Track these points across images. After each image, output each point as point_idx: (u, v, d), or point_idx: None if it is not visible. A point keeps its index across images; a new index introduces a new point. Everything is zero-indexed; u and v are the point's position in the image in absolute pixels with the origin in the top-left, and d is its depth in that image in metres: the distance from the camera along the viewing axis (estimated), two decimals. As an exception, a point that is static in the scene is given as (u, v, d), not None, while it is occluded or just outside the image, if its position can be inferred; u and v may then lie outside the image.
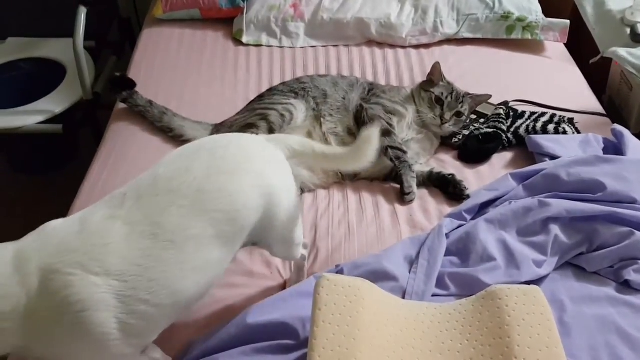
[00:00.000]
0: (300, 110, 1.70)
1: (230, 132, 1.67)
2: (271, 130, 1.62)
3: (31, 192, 2.50)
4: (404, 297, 1.28)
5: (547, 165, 1.58)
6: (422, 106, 1.77)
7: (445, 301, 1.27)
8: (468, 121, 1.82)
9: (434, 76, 1.80)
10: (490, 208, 1.53)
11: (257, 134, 1.60)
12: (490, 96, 1.81)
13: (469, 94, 1.80)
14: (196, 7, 2.30)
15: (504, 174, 1.63)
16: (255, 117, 1.66)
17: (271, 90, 1.82)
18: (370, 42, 2.25)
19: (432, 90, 1.77)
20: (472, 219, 1.51)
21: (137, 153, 1.73)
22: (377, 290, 1.20)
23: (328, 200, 1.61)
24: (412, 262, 1.37)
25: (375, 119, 1.69)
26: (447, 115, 1.73)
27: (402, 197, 1.61)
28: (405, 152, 1.66)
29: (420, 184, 1.65)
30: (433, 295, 1.30)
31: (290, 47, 2.23)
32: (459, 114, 1.75)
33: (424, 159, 1.74)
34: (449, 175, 1.63)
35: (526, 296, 1.15)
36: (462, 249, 1.40)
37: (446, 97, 1.75)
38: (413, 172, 1.63)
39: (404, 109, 1.76)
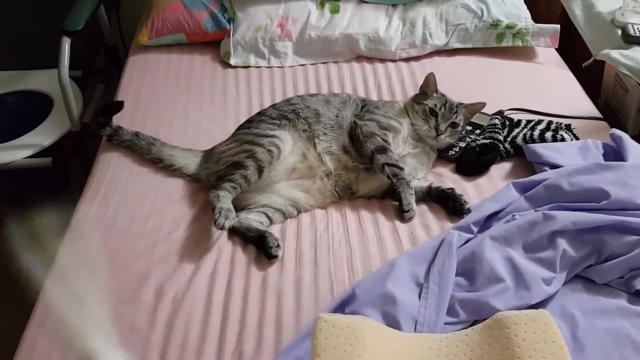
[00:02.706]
0: (286, 141, 1.66)
1: (217, 166, 1.64)
2: (260, 169, 1.59)
3: (23, 227, 2.45)
4: (415, 327, 1.24)
5: (548, 175, 1.55)
6: (416, 119, 1.74)
7: (455, 329, 1.23)
8: (464, 133, 1.79)
9: (429, 87, 1.77)
10: (493, 221, 1.49)
11: (246, 175, 1.57)
12: (485, 104, 1.78)
13: (462, 104, 1.77)
14: (182, 31, 2.28)
15: (505, 184, 1.60)
16: (242, 154, 1.62)
17: (260, 115, 1.78)
18: (360, 58, 2.23)
19: (425, 102, 1.74)
20: (479, 231, 1.47)
21: (127, 183, 1.70)
22: (379, 327, 1.16)
23: (327, 220, 1.58)
24: (420, 284, 1.33)
25: (370, 135, 1.66)
26: (442, 127, 1.71)
27: (402, 214, 1.57)
28: (402, 169, 1.63)
29: (419, 200, 1.62)
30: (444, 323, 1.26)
31: (279, 67, 2.21)
32: (454, 125, 1.72)
33: (422, 174, 1.71)
34: (448, 189, 1.60)
35: (535, 323, 1.11)
36: (468, 270, 1.36)
37: (440, 108, 1.72)
38: (411, 188, 1.60)
39: (399, 123, 1.73)
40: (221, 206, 1.49)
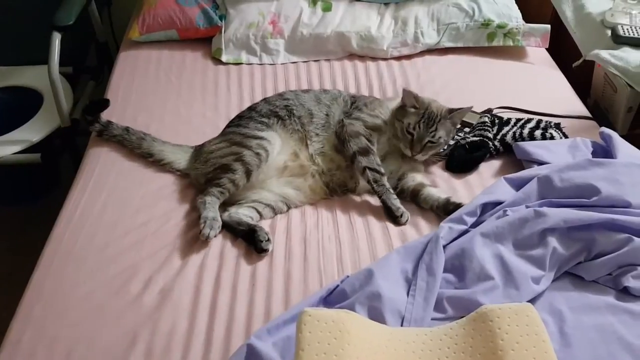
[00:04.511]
0: (275, 143, 1.65)
1: (205, 168, 1.64)
2: (248, 173, 1.58)
3: (12, 223, 2.44)
4: (402, 323, 1.24)
5: (540, 170, 1.55)
6: (397, 133, 1.69)
7: (442, 324, 1.22)
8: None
9: (406, 103, 1.69)
10: (486, 215, 1.49)
11: (234, 179, 1.57)
12: (471, 107, 1.73)
13: (451, 110, 1.68)
14: (173, 28, 2.27)
15: (497, 179, 1.59)
16: (230, 157, 1.61)
17: (250, 110, 1.78)
18: (352, 56, 2.24)
19: (403, 120, 1.67)
20: (473, 224, 1.46)
21: (116, 177, 1.70)
22: (363, 321, 1.16)
23: (317, 215, 1.59)
24: (409, 280, 1.33)
25: (355, 135, 1.65)
26: (417, 147, 1.65)
27: (395, 220, 1.55)
28: (383, 175, 1.61)
29: (429, 209, 1.58)
30: (431, 319, 1.26)
31: (271, 64, 2.21)
32: (431, 142, 1.66)
33: (418, 172, 1.69)
34: None
35: (518, 316, 1.11)
36: (458, 266, 1.36)
37: (414, 128, 1.65)
38: (392, 192, 1.59)
39: (385, 124, 1.72)
40: (206, 215, 1.49)
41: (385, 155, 1.70)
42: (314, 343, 1.06)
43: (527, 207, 1.45)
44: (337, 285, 1.32)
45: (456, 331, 1.15)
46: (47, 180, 2.52)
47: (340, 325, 1.09)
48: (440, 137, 1.66)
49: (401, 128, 1.67)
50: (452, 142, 1.76)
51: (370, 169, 1.60)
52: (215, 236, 1.47)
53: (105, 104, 1.92)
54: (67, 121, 2.15)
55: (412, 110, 1.67)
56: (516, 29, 2.20)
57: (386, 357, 1.11)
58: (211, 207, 1.52)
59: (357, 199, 1.66)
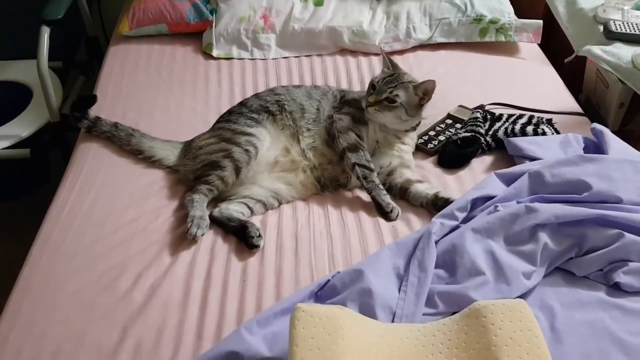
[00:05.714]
0: (264, 139, 1.64)
1: (194, 164, 1.63)
2: (237, 169, 1.58)
3: (1, 219, 2.42)
4: (393, 319, 1.23)
5: (532, 165, 1.55)
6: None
7: (433, 320, 1.22)
8: (443, 126, 1.79)
9: (383, 64, 1.76)
10: (477, 211, 1.48)
11: (222, 176, 1.56)
12: (434, 82, 1.67)
13: (413, 83, 1.67)
14: (163, 22, 2.26)
15: (488, 174, 1.58)
16: (219, 153, 1.60)
17: (241, 105, 1.77)
18: (344, 51, 2.23)
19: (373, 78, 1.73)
20: (463, 221, 1.46)
21: (106, 174, 1.69)
22: (357, 317, 1.16)
23: (308, 211, 1.58)
24: (401, 276, 1.32)
25: (344, 131, 1.64)
26: (372, 98, 1.65)
27: (386, 216, 1.54)
28: (372, 171, 1.60)
29: (420, 206, 1.57)
30: (422, 315, 1.25)
31: (262, 59, 2.20)
32: (389, 100, 1.64)
33: (407, 164, 1.68)
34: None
35: (512, 312, 1.11)
36: (449, 262, 1.35)
37: (377, 82, 1.68)
38: (382, 188, 1.59)
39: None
40: (194, 214, 1.48)
41: (375, 151, 1.69)
42: (308, 339, 1.06)
43: (518, 202, 1.45)
44: (328, 280, 1.31)
45: (450, 327, 1.14)
46: (36, 175, 2.50)
47: (334, 321, 1.09)
48: (397, 96, 1.64)
49: (370, 84, 1.70)
50: (443, 138, 1.76)
51: (359, 165, 1.60)
52: (202, 235, 1.46)
53: (92, 100, 1.91)
54: (56, 116, 2.14)
55: (385, 70, 1.73)
56: (508, 24, 2.19)
57: (380, 353, 1.11)
58: (199, 206, 1.51)
59: (348, 194, 1.65)
